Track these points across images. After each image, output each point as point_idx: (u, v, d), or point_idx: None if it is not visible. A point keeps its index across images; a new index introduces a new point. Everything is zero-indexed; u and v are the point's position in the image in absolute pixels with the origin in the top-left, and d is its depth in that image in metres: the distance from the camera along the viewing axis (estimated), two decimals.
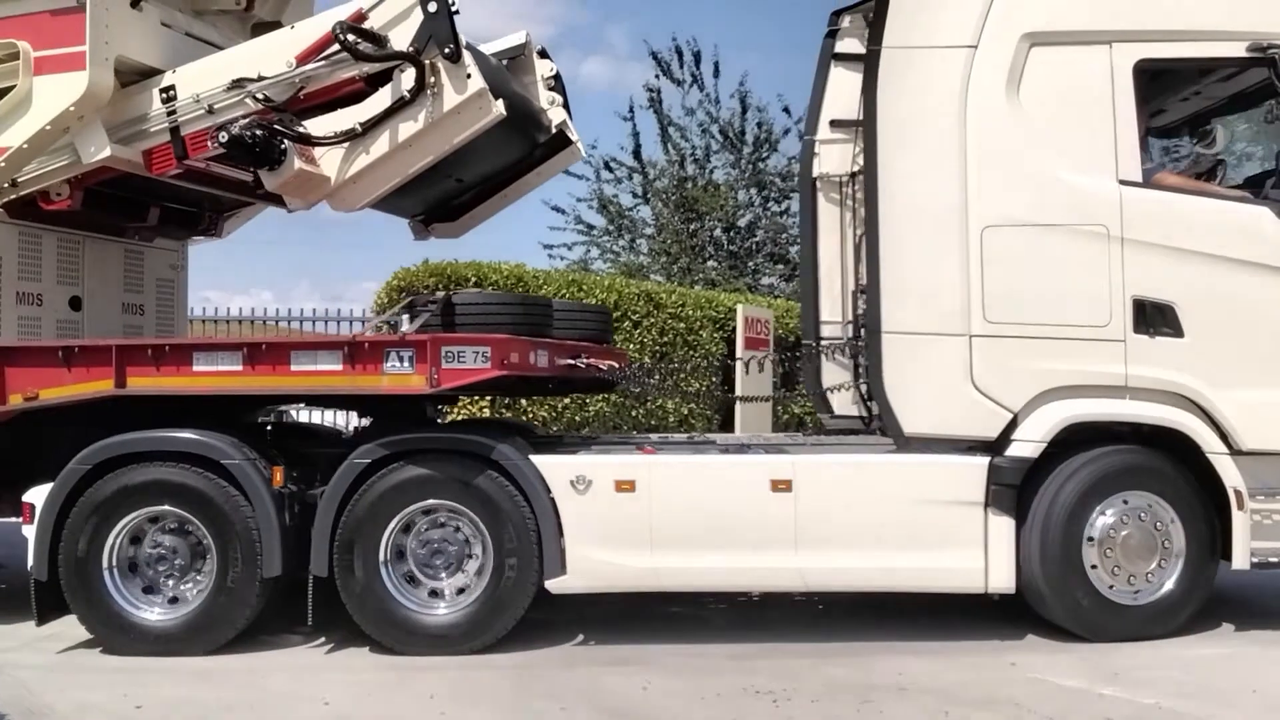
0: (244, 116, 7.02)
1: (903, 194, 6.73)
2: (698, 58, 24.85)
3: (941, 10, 6.73)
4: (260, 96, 7.08)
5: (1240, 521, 6.56)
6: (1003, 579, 6.58)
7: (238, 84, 7.13)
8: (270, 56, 7.23)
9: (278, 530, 6.53)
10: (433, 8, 6.90)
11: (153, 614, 6.66)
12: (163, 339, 7.85)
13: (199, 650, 6.55)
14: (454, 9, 6.93)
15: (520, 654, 6.55)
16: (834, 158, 8.85)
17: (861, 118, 6.97)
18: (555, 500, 6.56)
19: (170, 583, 6.70)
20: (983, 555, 6.58)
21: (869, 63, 6.77)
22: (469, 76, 6.91)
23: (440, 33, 6.87)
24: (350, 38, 6.86)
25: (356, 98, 7.20)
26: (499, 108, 7.09)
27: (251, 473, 6.56)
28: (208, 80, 7.24)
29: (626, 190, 26.29)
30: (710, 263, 25.32)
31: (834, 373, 8.76)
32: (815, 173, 8.92)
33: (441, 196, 8.31)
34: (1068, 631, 6.68)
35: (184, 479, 6.61)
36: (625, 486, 6.59)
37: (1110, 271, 6.62)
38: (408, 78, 6.94)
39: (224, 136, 6.78)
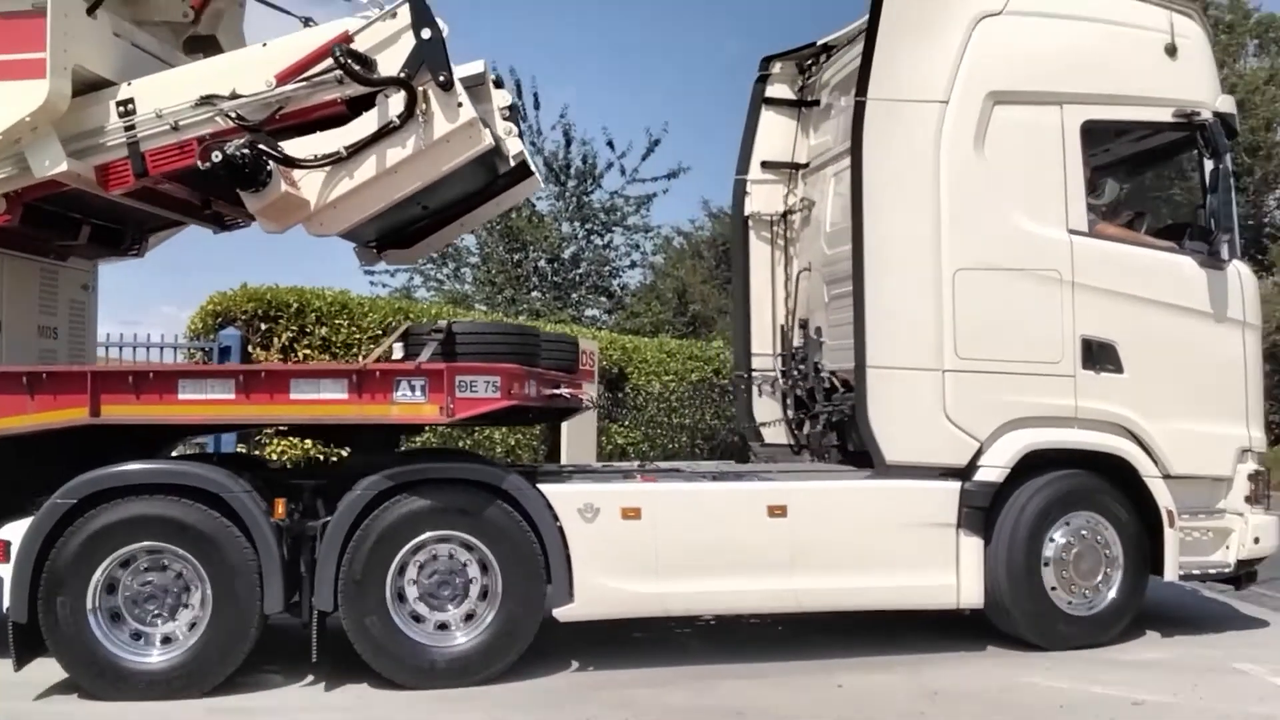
0: (215, 134, 6.89)
1: (884, 237, 7.20)
2: (519, 88, 25.17)
3: (918, 67, 7.26)
4: (233, 115, 6.92)
5: (1171, 538, 7.35)
6: (973, 595, 7.14)
7: (207, 100, 6.93)
8: (246, 74, 7.05)
9: (279, 564, 6.37)
10: (427, 34, 6.94)
11: (142, 657, 6.33)
12: (146, 365, 7.49)
13: (192, 693, 6.27)
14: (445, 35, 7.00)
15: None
16: (764, 197, 9.40)
17: (850, 162, 7.39)
18: (563, 528, 6.67)
19: (159, 623, 6.39)
20: (955, 573, 7.11)
21: (856, 113, 7.22)
22: (460, 105, 6.98)
23: (434, 60, 6.91)
24: (348, 60, 6.81)
25: (332, 121, 7.13)
26: (488, 137, 7.20)
27: (251, 505, 6.37)
28: (171, 95, 6.99)
29: None
30: (535, 293, 25.56)
31: (765, 405, 9.26)
32: (747, 211, 9.44)
33: (401, 223, 8.26)
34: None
35: (176, 513, 6.33)
36: (631, 514, 6.77)
37: (1062, 313, 7.32)
38: (396, 103, 6.93)
39: (218, 156, 6.61)
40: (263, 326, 12.16)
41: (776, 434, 9.31)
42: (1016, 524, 7.16)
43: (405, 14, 6.97)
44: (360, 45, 6.97)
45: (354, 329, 12.87)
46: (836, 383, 8.39)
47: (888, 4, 7.19)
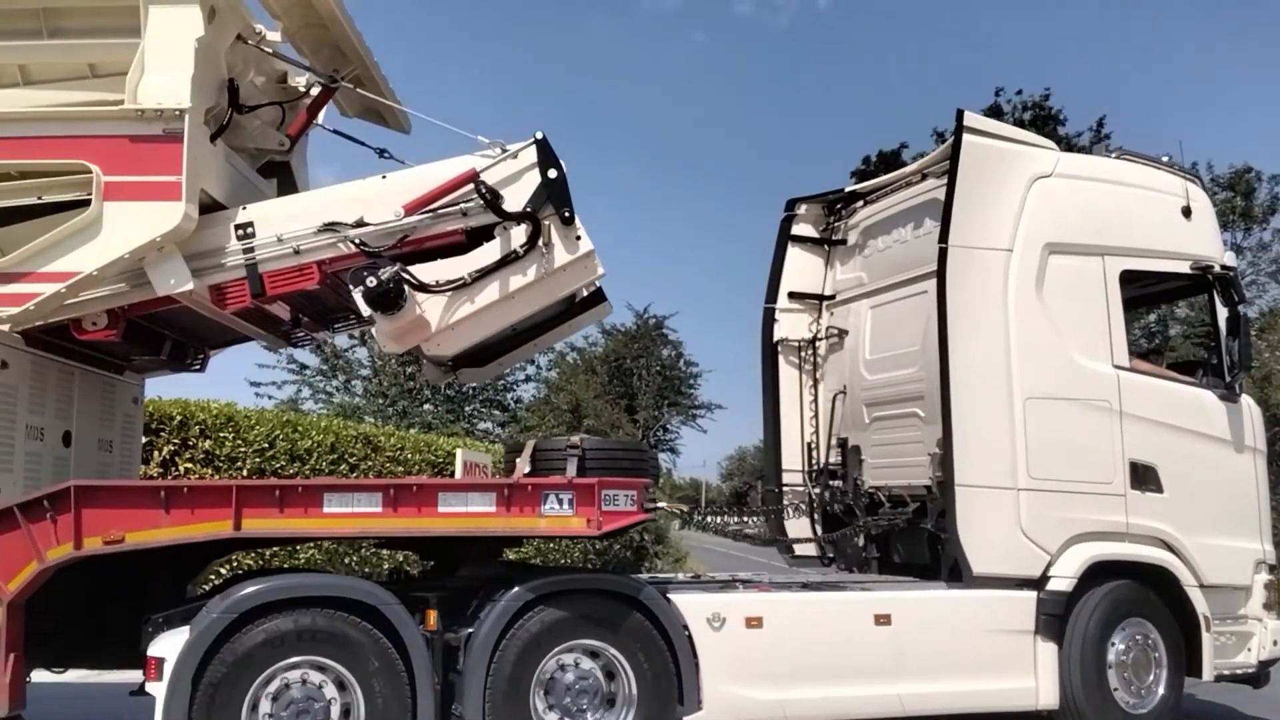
0: (334, 259, 7.20)
1: (966, 367, 7.95)
2: None
3: (988, 218, 8.14)
4: (356, 242, 7.23)
5: (1207, 641, 8.18)
6: (1050, 697, 7.76)
7: (330, 227, 7.22)
8: (372, 204, 7.36)
9: (430, 675, 6.48)
10: (553, 174, 7.43)
11: None
12: (291, 481, 7.50)
13: None
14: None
15: None
16: (792, 325, 10.13)
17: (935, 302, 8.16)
18: (692, 637, 6.99)
19: None
20: (1034, 677, 7.73)
21: (940, 258, 8.01)
22: (579, 238, 7.46)
23: (559, 197, 7.40)
24: (492, 197, 7.24)
25: (448, 250, 7.50)
26: (600, 267, 7.68)
27: (406, 617, 6.51)
28: (292, 221, 7.24)
29: (343, 331, 26.21)
30: (427, 405, 25.63)
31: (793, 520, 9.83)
32: (776, 337, 10.11)
33: (485, 342, 8.58)
34: None
35: (333, 626, 6.41)
36: (754, 623, 7.16)
37: (1113, 438, 8.17)
38: (518, 234, 7.36)
39: (373, 281, 6.90)
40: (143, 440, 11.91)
41: (804, 546, 9.87)
42: (1086, 630, 7.85)
43: (528, 154, 7.46)
44: (486, 181, 7.41)
45: (239, 442, 12.61)
46: (883, 498, 9.04)
47: (963, 165, 8.08)
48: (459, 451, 13.51)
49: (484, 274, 7.34)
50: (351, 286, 6.99)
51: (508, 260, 7.35)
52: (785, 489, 9.94)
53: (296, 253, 7.20)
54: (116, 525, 6.53)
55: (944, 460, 7.93)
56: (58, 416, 7.75)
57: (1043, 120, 26.33)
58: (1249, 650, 8.45)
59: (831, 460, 9.73)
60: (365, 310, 7.25)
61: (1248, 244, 30.96)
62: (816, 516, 9.84)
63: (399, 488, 6.86)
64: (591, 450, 7.26)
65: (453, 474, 12.50)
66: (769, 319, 10.25)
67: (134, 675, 6.87)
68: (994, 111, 26.71)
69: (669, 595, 7.09)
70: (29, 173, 6.99)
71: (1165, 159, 8.91)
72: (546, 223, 7.38)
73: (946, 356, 7.92)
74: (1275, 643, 8.55)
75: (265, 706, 6.33)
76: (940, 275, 7.99)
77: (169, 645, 6.22)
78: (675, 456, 45.22)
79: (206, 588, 8.35)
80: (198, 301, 7.20)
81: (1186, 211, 8.73)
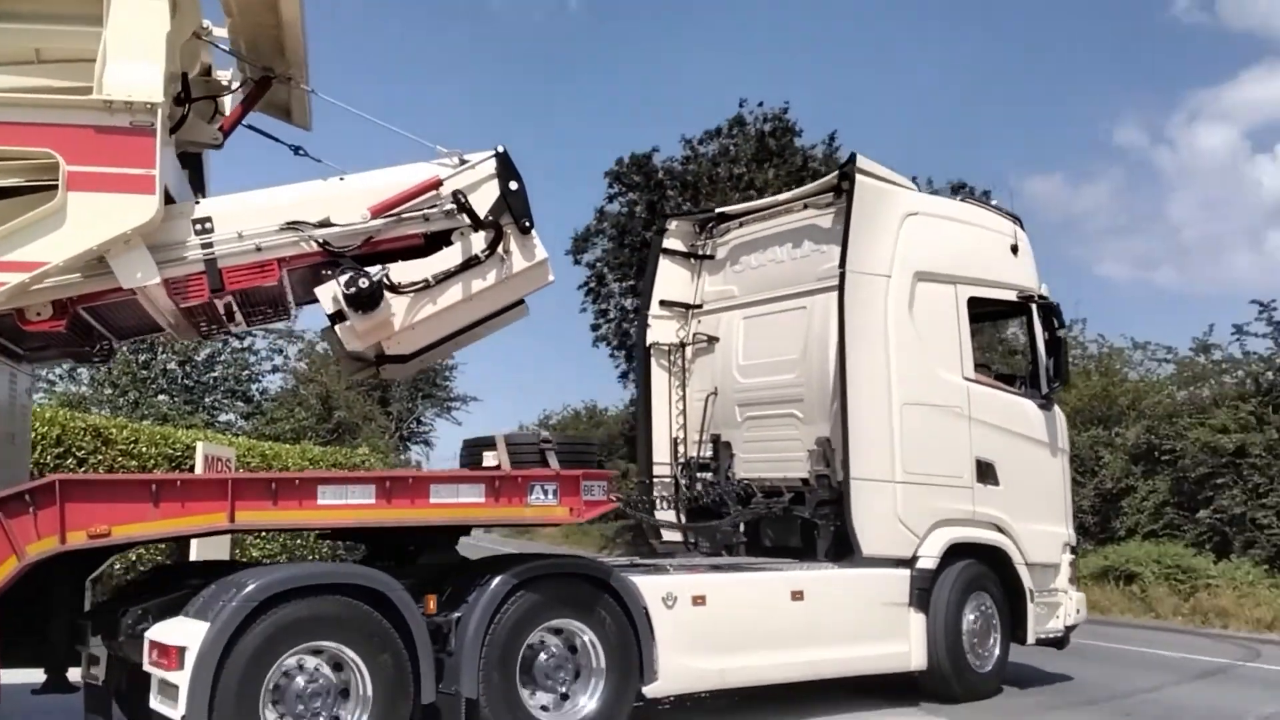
0: (295, 257, 7.47)
1: (858, 378, 9.13)
2: None
3: (871, 246, 9.37)
4: (319, 241, 7.52)
5: (1032, 611, 9.81)
6: (920, 660, 9.08)
7: (292, 226, 7.47)
8: (337, 205, 7.62)
9: (431, 657, 6.88)
10: (514, 186, 8.00)
11: None
12: (286, 474, 7.52)
13: None
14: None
15: None
16: (663, 330, 11.11)
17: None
18: (650, 615, 7.73)
19: (321, 718, 6.63)
20: (908, 643, 9.02)
21: (840, 281, 9.16)
22: (535, 246, 8.06)
23: (518, 207, 7.97)
24: (467, 204, 7.71)
25: (409, 253, 7.90)
26: (552, 275, 8.31)
27: (411, 602, 6.86)
28: (252, 218, 7.37)
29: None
30: (162, 396, 24.66)
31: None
32: (649, 341, 11.05)
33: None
34: None
35: (343, 611, 6.65)
36: (700, 601, 7.99)
37: (964, 439, 9.63)
38: (478, 240, 7.86)
39: (364, 282, 7.23)
40: None
41: (670, 532, 10.83)
42: (947, 602, 9.22)
43: (486, 166, 7.96)
44: (447, 189, 7.85)
45: None
46: (755, 489, 10.14)
47: (857, 201, 9.28)
48: (200, 445, 13.37)
49: (446, 276, 7.75)
50: (341, 285, 7.25)
51: (469, 264, 7.78)
52: (655, 480, 10.83)
53: (258, 249, 7.31)
54: (103, 519, 6.50)
55: (843, 457, 9.08)
56: None
57: (781, 131, 27.86)
58: (1058, 618, 10.16)
59: (704, 455, 10.71)
60: (332, 308, 7.52)
61: None
62: (682, 506, 10.79)
63: (394, 480, 7.19)
64: (563, 445, 7.84)
65: (192, 468, 12.45)
66: (643, 324, 11.14)
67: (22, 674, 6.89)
68: (738, 122, 28.23)
69: (632, 577, 7.79)
70: None
71: (995, 203, 10.54)
72: (507, 231, 7.90)
73: (844, 365, 9.08)
74: (1078, 610, 10.36)
75: (282, 689, 6.50)
76: (840, 296, 9.15)
77: (185, 634, 6.27)
78: (429, 449, 45.10)
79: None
80: (151, 295, 7.19)
81: (1014, 249, 10.39)
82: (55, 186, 6.71)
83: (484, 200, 7.91)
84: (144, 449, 13.83)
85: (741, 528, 10.25)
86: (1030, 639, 9.83)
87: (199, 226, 7.23)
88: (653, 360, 11.09)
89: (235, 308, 8.17)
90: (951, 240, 9.97)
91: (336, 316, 7.53)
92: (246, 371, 25.63)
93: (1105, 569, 17.96)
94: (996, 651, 9.63)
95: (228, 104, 8.48)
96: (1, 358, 7.91)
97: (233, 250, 7.25)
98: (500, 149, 8.14)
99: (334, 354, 8.68)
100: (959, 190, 26.42)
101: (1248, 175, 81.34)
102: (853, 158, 9.47)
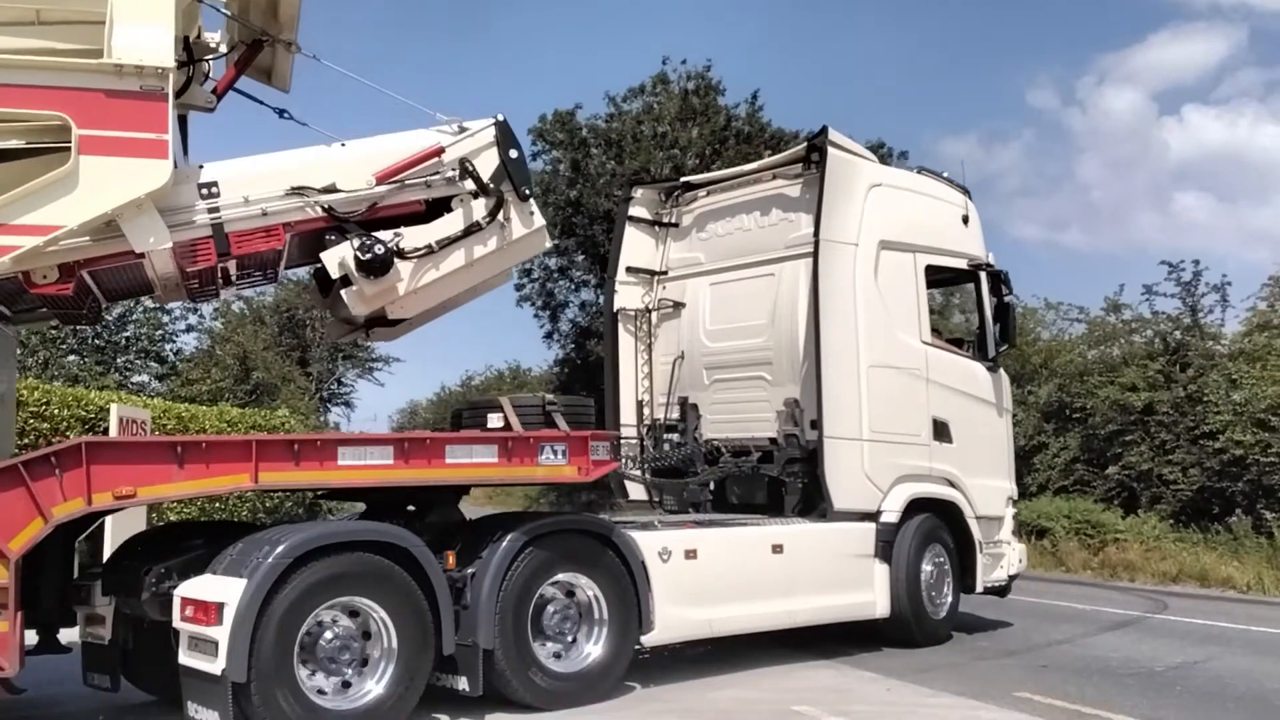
0: (300, 222, 7.62)
1: (831, 341, 9.60)
2: None
3: (842, 217, 9.83)
4: (324, 206, 7.67)
5: (980, 561, 10.48)
6: (884, 608, 9.66)
7: (297, 191, 7.60)
8: (342, 171, 7.77)
9: (452, 610, 7.16)
10: (514, 154, 8.24)
11: (338, 703, 6.75)
12: (307, 435, 7.62)
13: None
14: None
15: None
16: (629, 296, 11.45)
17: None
18: (648, 568, 8.12)
19: (349, 671, 6.85)
20: (874, 592, 9.59)
21: (815, 249, 9.59)
22: (532, 213, 8.33)
23: (519, 175, 8.23)
24: (474, 170, 7.91)
25: (409, 219, 8.08)
26: (548, 239, 8.57)
27: (432, 558, 7.12)
28: (257, 183, 7.48)
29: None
30: (73, 356, 24.10)
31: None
32: (615, 307, 11.38)
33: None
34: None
35: (369, 567, 6.88)
36: (691, 555, 8.40)
37: (922, 400, 10.21)
38: (479, 207, 8.10)
39: (380, 249, 7.42)
40: None
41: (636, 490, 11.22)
42: (908, 553, 9.82)
43: (486, 134, 8.18)
44: (449, 156, 8.03)
45: None
46: (723, 449, 10.57)
47: (829, 173, 9.72)
48: (114, 406, 13.35)
49: (450, 242, 7.96)
50: (356, 250, 7.41)
51: (470, 231, 8.00)
52: (622, 441, 11.17)
53: (264, 214, 7.43)
54: (129, 481, 6.62)
55: (817, 417, 9.55)
56: None
57: (704, 90, 27.95)
58: (1001, 567, 10.87)
59: (670, 417, 11.10)
60: (338, 272, 7.67)
61: None
62: (648, 466, 11.16)
63: (411, 441, 7.40)
64: (568, 406, 8.16)
65: (106, 430, 12.21)
66: (610, 290, 11.46)
67: None
68: (662, 80, 28.31)
69: (630, 532, 8.15)
70: None
71: (945, 175, 11.08)
72: (507, 198, 8.13)
73: (819, 331, 9.54)
74: (1020, 560, 11.11)
75: (312, 643, 6.72)
76: (814, 263, 9.59)
77: (222, 591, 6.42)
78: (350, 410, 44.47)
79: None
80: (156, 259, 7.23)
81: (965, 219, 10.97)
82: (58, 149, 6.74)
83: (484, 168, 8.13)
84: (56, 410, 13.58)
85: (711, 485, 10.68)
86: (979, 588, 10.52)
87: (205, 191, 7.31)
88: (619, 325, 11.41)
89: (231, 271, 8.25)
90: (911, 210, 10.49)
91: (342, 281, 7.70)
92: (160, 331, 25.07)
93: (1018, 524, 18.74)
94: (949, 599, 10.28)
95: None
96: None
97: (239, 215, 7.35)
98: (500, 117, 8.35)
99: (324, 315, 8.78)
100: (877, 150, 27.05)
101: (1155, 137, 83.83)
102: (824, 130, 9.89)
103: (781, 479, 10.06)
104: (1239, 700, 8.13)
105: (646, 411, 11.35)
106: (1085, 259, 76.31)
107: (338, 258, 7.60)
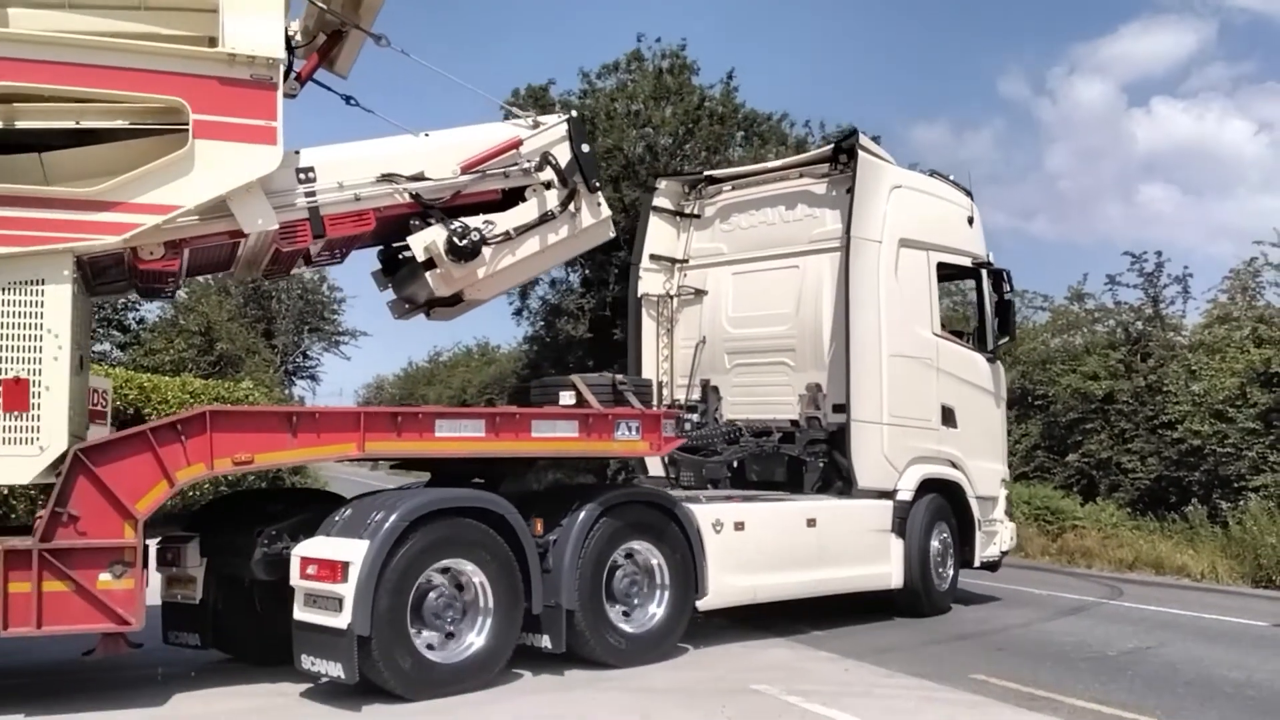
0: (388, 208, 8.09)
1: (858, 331, 10.32)
2: None
3: (868, 215, 10.54)
4: (412, 193, 8.15)
5: (979, 538, 11.32)
6: (898, 580, 10.44)
7: (387, 178, 8.07)
8: (431, 160, 8.24)
9: (540, 573, 7.72)
10: (585, 149, 8.79)
11: (441, 655, 7.28)
12: (409, 407, 8.05)
13: (477, 685, 7.34)
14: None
15: None
16: (652, 282, 12.06)
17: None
18: (703, 538, 8.75)
19: (451, 627, 7.38)
20: (889, 564, 10.37)
21: (845, 245, 10.30)
22: (599, 205, 8.90)
23: (589, 168, 8.78)
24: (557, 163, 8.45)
25: (486, 207, 8.58)
26: (613, 231, 9.14)
27: (524, 524, 7.67)
28: (351, 169, 7.92)
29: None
30: None
31: None
32: (639, 293, 11.99)
33: None
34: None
35: (472, 532, 7.43)
36: (740, 527, 9.06)
37: (934, 387, 11.00)
38: (552, 196, 8.64)
39: (476, 236, 7.93)
40: None
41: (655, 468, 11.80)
42: (920, 530, 10.61)
43: (559, 129, 8.71)
44: (526, 149, 8.55)
45: None
46: (744, 430, 11.24)
47: (860, 174, 10.42)
48: None
49: (526, 229, 8.49)
50: (452, 236, 7.90)
51: (544, 219, 8.54)
52: None
53: (357, 199, 7.89)
54: (247, 448, 7.07)
55: (846, 402, 10.28)
56: (78, 345, 7.78)
57: (679, 69, 27.72)
58: (995, 544, 11.73)
59: (691, 398, 11.74)
60: (424, 255, 8.14)
61: None
62: None
63: (502, 415, 7.93)
64: (637, 385, 8.76)
65: None
66: (635, 276, 12.07)
67: None
68: (636, 57, 27.92)
69: (687, 505, 8.77)
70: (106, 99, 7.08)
71: (952, 178, 11.87)
72: (579, 189, 8.67)
73: (848, 320, 10.25)
74: (1011, 539, 12.02)
75: (421, 598, 7.24)
76: (844, 259, 10.30)
77: (347, 551, 6.90)
78: (315, 384, 44.17)
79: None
80: (256, 238, 7.65)
81: (970, 220, 11.77)
82: (159, 131, 7.11)
83: (558, 160, 8.64)
84: None
85: (714, 465, 11.33)
86: (977, 562, 11.37)
87: (302, 175, 7.72)
88: (643, 310, 12.00)
89: (313, 252, 8.67)
90: (925, 211, 11.25)
91: (427, 264, 8.17)
92: (122, 301, 24.81)
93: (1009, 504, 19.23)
94: (951, 574, 11.10)
95: None
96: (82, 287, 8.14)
97: (334, 199, 7.78)
98: (573, 113, 8.89)
99: (392, 295, 9.19)
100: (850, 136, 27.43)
101: (1123, 129, 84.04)
102: (854, 132, 10.63)
103: (803, 459, 10.75)
104: (1188, 685, 8.28)
105: (667, 393, 11.96)
106: (1051, 248, 76.87)
107: (425, 241, 8.06)
